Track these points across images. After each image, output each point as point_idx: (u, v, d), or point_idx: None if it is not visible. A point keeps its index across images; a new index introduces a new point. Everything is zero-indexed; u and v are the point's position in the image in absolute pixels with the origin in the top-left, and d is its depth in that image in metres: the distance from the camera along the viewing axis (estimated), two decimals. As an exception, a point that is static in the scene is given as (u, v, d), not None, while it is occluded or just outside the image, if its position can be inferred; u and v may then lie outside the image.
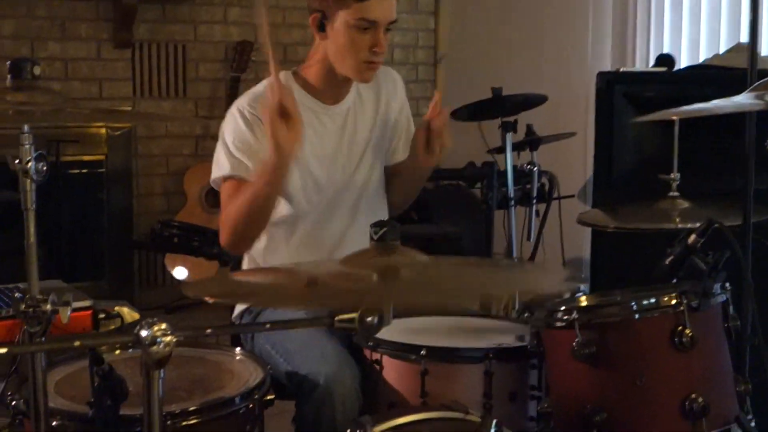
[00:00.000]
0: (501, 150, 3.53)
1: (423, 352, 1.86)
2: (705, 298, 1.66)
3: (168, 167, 4.55)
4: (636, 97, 2.60)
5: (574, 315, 1.71)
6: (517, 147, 3.51)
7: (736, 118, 2.25)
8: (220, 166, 2.21)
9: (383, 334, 1.68)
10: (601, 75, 2.67)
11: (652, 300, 1.71)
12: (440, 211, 4.76)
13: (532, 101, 3.32)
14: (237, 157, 2.18)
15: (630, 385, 1.47)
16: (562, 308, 1.77)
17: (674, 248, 1.70)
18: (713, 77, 2.69)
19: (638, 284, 2.06)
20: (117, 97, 4.39)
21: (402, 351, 1.91)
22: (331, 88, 2.28)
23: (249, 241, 2.21)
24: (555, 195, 3.78)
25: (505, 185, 3.29)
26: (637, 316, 1.71)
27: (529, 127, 3.55)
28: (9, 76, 1.37)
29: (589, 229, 4.06)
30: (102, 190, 4.43)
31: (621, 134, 2.61)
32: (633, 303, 1.70)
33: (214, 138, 4.29)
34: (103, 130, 4.36)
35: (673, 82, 2.72)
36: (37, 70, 1.35)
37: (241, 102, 2.25)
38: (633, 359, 1.70)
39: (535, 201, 3.64)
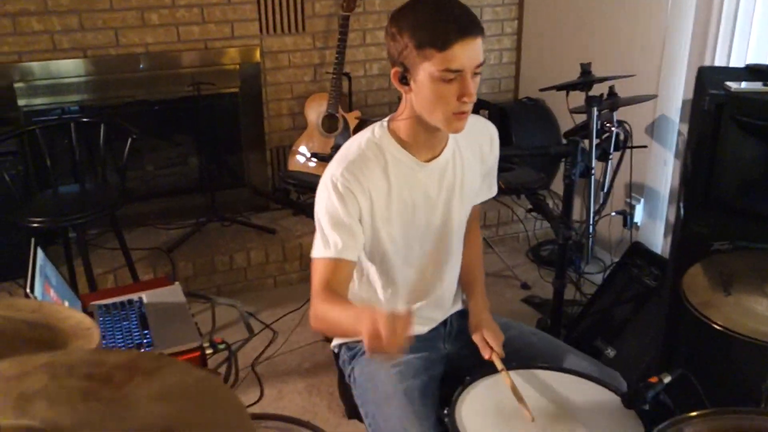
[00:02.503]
0: (582, 111, 2.64)
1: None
2: None
3: (292, 92, 4.02)
4: (750, 124, 1.66)
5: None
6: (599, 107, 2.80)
7: None
8: (316, 247, 1.65)
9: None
10: (712, 97, 1.73)
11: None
12: (519, 127, 3.93)
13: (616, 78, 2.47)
14: (328, 237, 1.61)
15: None
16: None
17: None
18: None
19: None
20: (246, 36, 3.82)
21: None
22: (425, 141, 1.66)
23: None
24: (629, 145, 2.86)
25: (589, 155, 2.44)
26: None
27: (611, 89, 2.66)
28: None
29: (656, 173, 3.22)
30: (238, 115, 3.96)
31: (722, 159, 1.70)
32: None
33: (329, 65, 3.87)
34: (237, 66, 3.83)
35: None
36: None
37: (335, 172, 1.63)
38: None
39: (611, 152, 2.76)
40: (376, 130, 1.68)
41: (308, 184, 2.81)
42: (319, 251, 1.62)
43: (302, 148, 3.83)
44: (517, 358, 1.70)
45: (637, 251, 3.03)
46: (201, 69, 3.69)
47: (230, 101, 3.86)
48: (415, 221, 1.69)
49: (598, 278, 3.38)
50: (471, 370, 1.71)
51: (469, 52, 1.48)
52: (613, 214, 3.50)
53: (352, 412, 1.84)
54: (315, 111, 3.84)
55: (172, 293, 1.99)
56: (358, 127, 3.80)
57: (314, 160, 3.75)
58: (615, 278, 3.03)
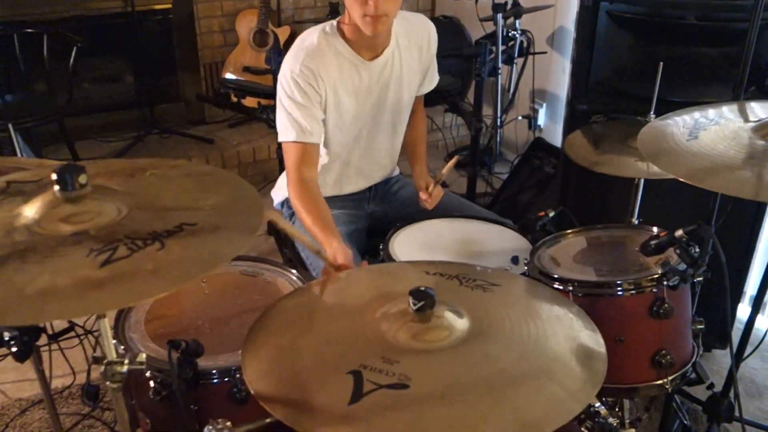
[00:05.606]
0: (490, 19, 3.01)
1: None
2: (684, 282, 1.33)
3: (222, 10, 4.22)
4: (620, 16, 2.06)
5: (570, 288, 1.38)
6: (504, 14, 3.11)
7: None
8: (283, 131, 1.86)
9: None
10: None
11: (637, 277, 1.37)
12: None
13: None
14: (298, 121, 1.82)
15: (611, 343, 1.18)
16: (559, 277, 1.53)
17: (662, 238, 1.34)
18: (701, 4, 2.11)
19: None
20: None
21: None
22: (364, 41, 1.85)
23: None
24: (531, 51, 3.27)
25: (496, 56, 2.82)
26: (621, 293, 1.37)
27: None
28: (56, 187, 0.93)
29: (556, 79, 3.61)
30: (171, 32, 4.14)
31: (600, 48, 2.11)
32: (620, 283, 1.37)
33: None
34: (169, -17, 4.09)
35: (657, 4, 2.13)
36: (83, 179, 0.92)
37: (293, 65, 1.83)
38: (615, 324, 1.41)
39: (515, 57, 3.16)
40: (327, 28, 1.88)
41: (247, 88, 3.07)
42: (286, 134, 1.83)
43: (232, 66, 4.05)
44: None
45: (539, 145, 3.46)
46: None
47: (163, 18, 4.03)
48: (362, 108, 1.93)
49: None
50: (391, 224, 2.03)
51: None
52: (519, 118, 3.93)
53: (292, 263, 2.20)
54: (246, 27, 4.07)
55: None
56: (289, 41, 4.04)
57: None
58: (520, 170, 3.47)
